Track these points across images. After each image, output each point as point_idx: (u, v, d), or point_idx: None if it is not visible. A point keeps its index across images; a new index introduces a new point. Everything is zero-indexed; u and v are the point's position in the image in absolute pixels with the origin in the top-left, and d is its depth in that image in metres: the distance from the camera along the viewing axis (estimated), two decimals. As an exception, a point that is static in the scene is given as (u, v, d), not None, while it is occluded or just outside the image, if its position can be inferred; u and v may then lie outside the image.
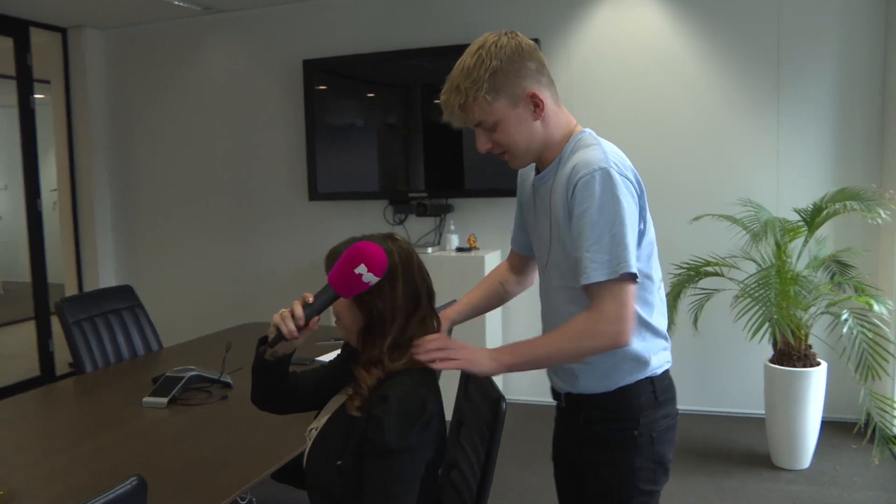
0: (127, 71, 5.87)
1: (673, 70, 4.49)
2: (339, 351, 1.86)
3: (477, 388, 1.91)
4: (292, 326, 1.51)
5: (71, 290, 5.92)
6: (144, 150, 5.89)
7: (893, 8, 4.02)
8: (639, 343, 1.65)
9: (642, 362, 1.67)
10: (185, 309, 5.70)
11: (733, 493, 3.53)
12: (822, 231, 3.90)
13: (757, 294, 3.50)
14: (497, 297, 2.01)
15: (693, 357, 4.43)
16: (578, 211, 1.56)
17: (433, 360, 1.56)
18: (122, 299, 3.46)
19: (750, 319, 3.45)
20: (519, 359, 1.63)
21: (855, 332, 3.43)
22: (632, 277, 1.54)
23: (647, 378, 1.69)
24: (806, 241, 3.82)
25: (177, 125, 5.76)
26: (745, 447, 4.06)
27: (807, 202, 3.86)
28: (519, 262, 2.00)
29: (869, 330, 3.43)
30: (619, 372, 1.67)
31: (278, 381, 1.68)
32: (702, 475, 3.72)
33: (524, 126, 1.65)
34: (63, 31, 5.75)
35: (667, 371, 1.74)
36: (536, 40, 1.76)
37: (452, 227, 4.83)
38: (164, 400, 2.48)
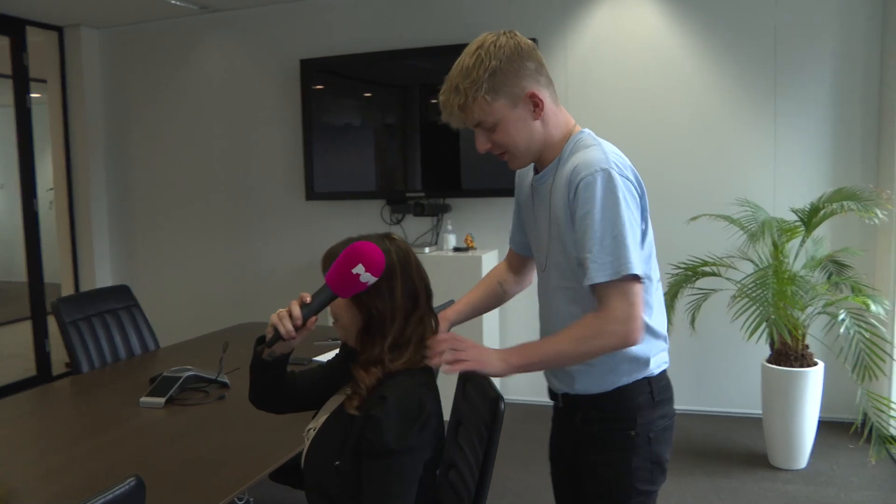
0: (124, 70, 5.86)
1: (671, 70, 4.49)
2: (336, 351, 1.86)
3: (475, 387, 1.91)
4: (290, 326, 1.51)
5: (67, 289, 5.91)
6: (141, 149, 5.87)
7: (891, 8, 4.03)
8: (640, 344, 1.65)
9: (641, 363, 1.68)
10: (182, 309, 5.69)
11: (731, 492, 3.53)
12: (819, 231, 3.90)
13: (754, 294, 3.50)
14: (496, 298, 2.01)
15: (690, 357, 4.43)
16: (581, 213, 1.56)
17: (441, 363, 1.57)
18: (119, 299, 3.45)
19: (747, 320, 3.45)
20: (528, 359, 1.63)
21: (852, 332, 3.43)
22: (634, 278, 1.54)
23: (644, 378, 1.69)
24: (803, 242, 3.82)
25: (174, 124, 5.74)
26: (742, 447, 4.06)
27: (804, 202, 3.87)
28: (517, 262, 2.00)
29: (866, 330, 3.44)
30: (617, 372, 1.67)
31: (276, 380, 1.67)
32: (699, 475, 3.72)
33: (524, 126, 1.64)
34: (59, 30, 5.74)
35: (664, 371, 1.74)
36: (534, 40, 1.75)
37: (450, 227, 4.83)
38: (162, 400, 2.47)
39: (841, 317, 3.47)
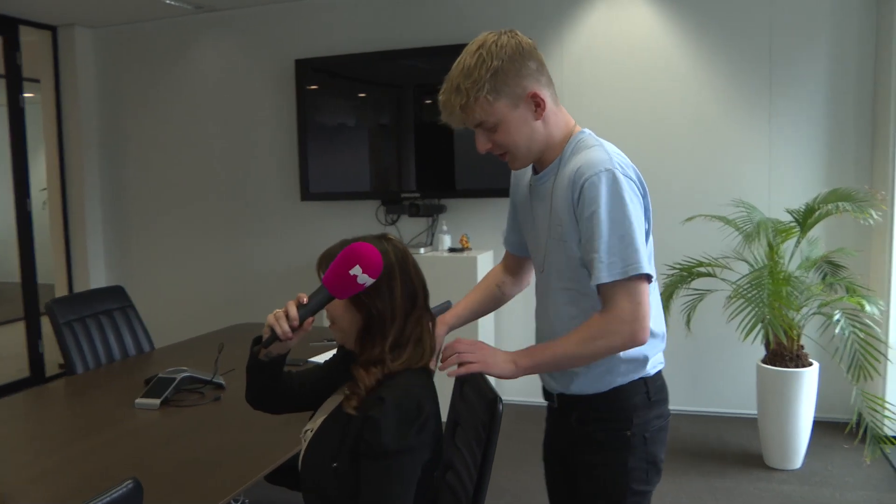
0: (118, 70, 5.84)
1: (666, 70, 4.50)
2: (332, 352, 1.85)
3: (472, 388, 1.90)
4: (286, 327, 1.50)
5: (61, 290, 5.89)
6: (135, 149, 5.85)
7: (885, 9, 4.04)
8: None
9: (639, 363, 1.68)
10: (177, 309, 5.67)
11: (726, 493, 3.54)
12: (814, 232, 3.91)
13: (750, 295, 3.51)
14: (494, 300, 2.00)
15: (686, 357, 4.44)
16: (587, 213, 1.56)
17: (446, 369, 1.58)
18: (114, 300, 3.44)
19: (743, 320, 3.45)
20: (536, 361, 1.63)
21: (847, 332, 3.44)
22: (641, 278, 1.55)
23: (640, 378, 1.69)
24: (798, 242, 3.83)
25: (168, 124, 5.73)
26: (737, 447, 4.07)
27: (798, 203, 3.88)
28: (514, 263, 2.00)
29: (861, 330, 3.45)
30: (614, 373, 1.67)
31: (272, 381, 1.67)
32: (694, 475, 3.72)
33: (525, 126, 1.64)
34: (53, 30, 5.72)
35: (660, 371, 1.75)
36: (530, 40, 1.74)
37: (445, 228, 4.82)
38: (157, 401, 2.46)
39: (836, 317, 3.47)
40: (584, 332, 1.59)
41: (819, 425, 3.95)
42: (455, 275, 4.43)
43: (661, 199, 4.41)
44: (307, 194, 5.13)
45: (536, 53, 1.64)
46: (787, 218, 3.86)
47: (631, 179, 1.59)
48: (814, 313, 3.74)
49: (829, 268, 3.89)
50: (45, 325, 5.08)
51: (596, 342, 1.57)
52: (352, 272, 1.48)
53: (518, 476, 3.60)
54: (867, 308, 3.50)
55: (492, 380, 1.75)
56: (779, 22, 4.28)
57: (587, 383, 1.69)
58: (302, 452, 1.63)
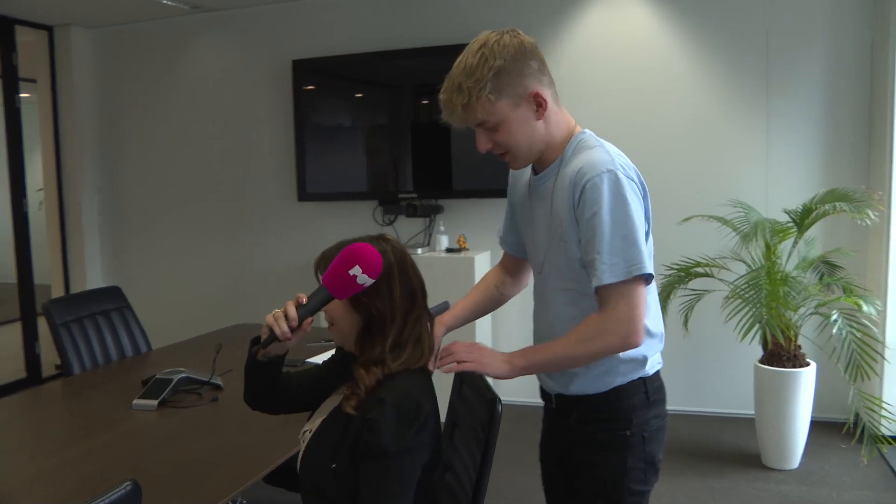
0: (114, 70, 5.82)
1: (663, 71, 4.50)
2: (330, 352, 1.85)
3: (471, 389, 1.91)
4: (285, 327, 1.50)
5: (57, 290, 5.88)
6: (132, 149, 5.84)
7: (881, 9, 4.04)
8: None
9: (639, 363, 1.68)
10: (174, 310, 5.66)
11: (723, 493, 3.54)
12: (811, 232, 3.91)
13: (747, 295, 3.51)
14: (493, 301, 2.00)
15: (683, 358, 4.44)
16: (588, 214, 1.56)
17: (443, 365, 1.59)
18: (111, 300, 3.43)
19: (741, 321, 3.46)
20: (532, 361, 1.63)
21: (844, 332, 3.45)
22: (646, 278, 1.56)
23: (640, 378, 1.69)
24: (795, 242, 3.83)
25: (165, 125, 5.72)
26: (735, 447, 4.07)
27: (795, 203, 3.88)
28: (513, 264, 1.99)
29: (858, 330, 3.45)
30: (614, 373, 1.67)
31: (271, 381, 1.67)
32: (692, 475, 3.72)
33: (526, 126, 1.63)
34: (49, 30, 5.70)
35: (658, 372, 1.75)
36: (527, 41, 1.73)
37: (442, 228, 4.82)
38: (154, 402, 2.45)
39: (833, 317, 3.48)
40: (580, 334, 1.59)
41: (816, 425, 3.96)
42: (452, 275, 4.43)
43: (659, 200, 4.39)
44: (304, 195, 5.12)
45: (538, 53, 1.64)
46: (785, 218, 3.87)
47: (632, 180, 1.59)
48: (811, 313, 3.74)
49: (826, 268, 3.89)
50: (42, 325, 5.07)
51: (591, 343, 1.58)
52: (351, 272, 1.48)
53: (516, 477, 3.60)
54: (864, 308, 3.51)
55: (489, 380, 1.75)
56: (776, 22, 4.28)
57: (586, 384, 1.69)
58: (301, 453, 1.62)
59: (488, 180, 4.51)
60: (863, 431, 3.42)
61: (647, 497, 1.73)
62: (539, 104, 1.63)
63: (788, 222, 3.83)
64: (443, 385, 1.80)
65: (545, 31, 4.66)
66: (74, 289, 5.82)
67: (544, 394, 1.83)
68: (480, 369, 1.62)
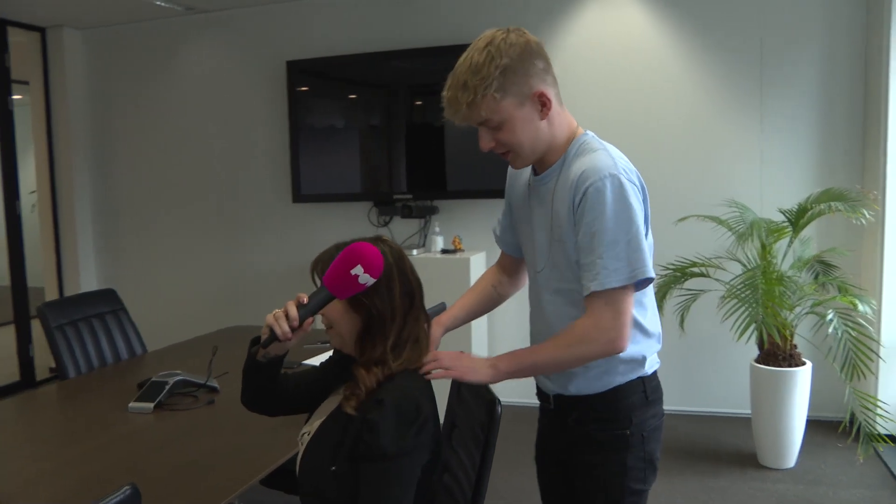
0: (107, 71, 5.80)
1: (658, 71, 4.50)
2: (327, 354, 1.84)
3: (470, 390, 1.90)
4: (286, 327, 1.49)
5: (51, 293, 5.85)
6: (125, 151, 5.82)
7: (875, 9, 4.06)
8: (634, 345, 1.66)
9: (637, 363, 1.69)
10: (168, 312, 5.64)
11: (720, 492, 3.54)
12: (806, 232, 3.93)
13: (743, 295, 3.52)
14: (490, 301, 2.00)
15: (679, 357, 4.44)
16: (589, 218, 1.56)
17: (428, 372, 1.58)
18: (106, 303, 3.41)
19: (737, 320, 3.46)
20: (517, 366, 1.63)
21: (840, 331, 3.45)
22: (646, 282, 1.57)
23: (638, 378, 1.70)
24: (791, 242, 3.84)
25: (159, 126, 5.70)
26: (731, 447, 4.08)
27: (790, 203, 3.89)
28: (510, 264, 1.99)
29: (853, 329, 3.46)
30: (613, 373, 1.67)
31: (270, 382, 1.66)
32: (689, 475, 3.72)
33: (530, 125, 1.62)
34: (42, 31, 5.68)
35: (655, 371, 1.76)
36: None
37: (437, 229, 4.82)
38: (150, 405, 2.44)
39: (829, 317, 3.49)
40: (566, 338, 1.60)
41: (812, 424, 3.97)
42: (448, 276, 4.42)
43: (654, 200, 4.37)
44: (299, 196, 5.11)
45: (544, 53, 1.64)
46: (780, 218, 3.88)
47: (634, 185, 1.60)
48: (807, 313, 3.75)
49: (822, 267, 3.90)
50: (36, 328, 5.05)
51: (577, 348, 1.58)
52: (353, 272, 1.48)
53: (513, 477, 3.59)
54: (859, 307, 3.52)
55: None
56: (770, 23, 4.29)
57: (585, 384, 1.69)
58: (299, 456, 1.61)
59: (483, 181, 4.51)
60: (859, 430, 3.43)
61: (645, 496, 1.73)
62: (543, 104, 1.62)
63: (784, 222, 3.84)
64: (441, 386, 1.80)
65: (540, 31, 4.66)
66: (68, 291, 5.80)
67: (542, 394, 1.83)
68: (463, 377, 1.62)
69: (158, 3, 5.04)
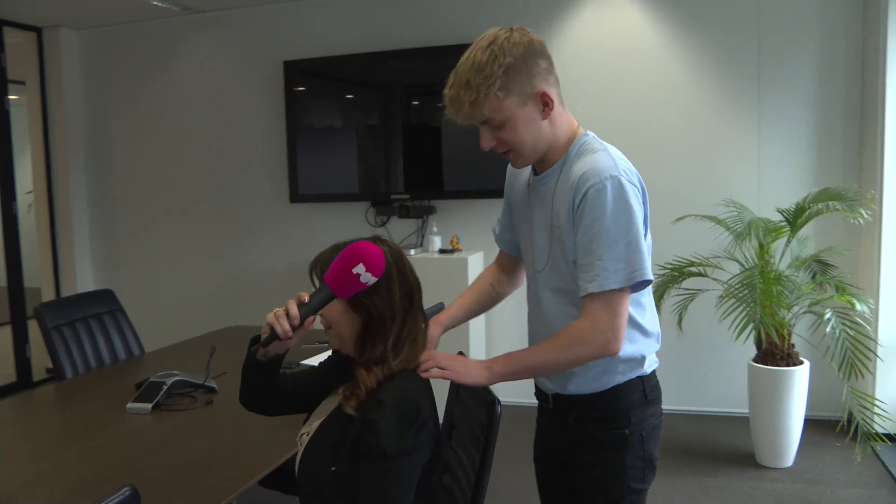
0: (104, 71, 5.79)
1: (655, 71, 4.51)
2: (325, 354, 1.84)
3: (469, 391, 1.90)
4: (287, 326, 1.48)
5: (48, 294, 5.84)
6: (122, 151, 5.81)
7: (871, 9, 4.06)
8: (632, 345, 1.66)
9: (637, 362, 1.69)
10: (166, 312, 5.63)
11: (718, 491, 3.54)
12: (804, 231, 3.93)
13: (741, 294, 3.52)
14: (489, 300, 2.00)
15: (677, 357, 4.44)
16: (589, 219, 1.55)
17: (424, 371, 1.58)
18: (103, 304, 3.41)
19: (735, 320, 3.46)
20: (511, 367, 1.63)
21: (838, 331, 3.46)
22: (645, 284, 1.57)
23: (637, 377, 1.70)
24: (788, 242, 3.85)
25: (156, 127, 5.69)
26: (729, 446, 4.08)
27: (787, 202, 3.89)
28: (509, 262, 1.99)
29: (851, 328, 3.47)
30: (613, 372, 1.67)
31: (269, 381, 1.65)
32: (687, 474, 3.73)
33: (532, 125, 1.62)
34: (38, 31, 5.67)
35: (654, 370, 1.76)
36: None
37: (435, 229, 4.81)
38: (149, 406, 2.44)
39: (827, 316, 3.49)
40: (562, 339, 1.60)
41: (810, 423, 3.97)
42: (446, 276, 4.42)
43: (652, 200, 4.35)
44: (296, 196, 5.11)
45: (546, 52, 1.64)
46: (778, 217, 3.88)
47: (635, 186, 1.60)
48: (804, 312, 3.75)
49: (819, 267, 3.90)
50: (33, 329, 5.03)
51: (572, 350, 1.58)
52: (355, 271, 1.48)
53: (512, 477, 3.59)
54: (857, 306, 3.52)
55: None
56: (767, 22, 4.30)
57: (585, 383, 1.69)
58: (299, 456, 1.61)
59: (480, 181, 4.51)
60: (856, 429, 3.44)
61: (644, 495, 1.73)
62: (546, 104, 1.62)
63: (781, 221, 3.84)
64: (439, 387, 1.79)
65: (538, 31, 4.59)
66: (65, 292, 5.78)
67: (541, 393, 1.82)
68: (458, 379, 1.62)
69: (155, 3, 5.03)
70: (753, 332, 3.60)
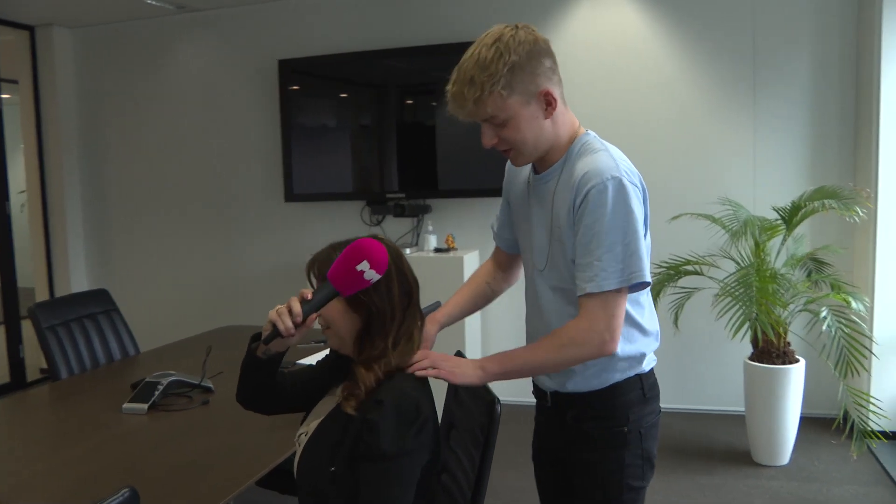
0: (98, 70, 5.76)
1: (651, 70, 4.51)
2: (322, 353, 1.83)
3: (468, 390, 1.89)
4: (289, 323, 1.47)
5: (41, 294, 5.81)
6: (116, 150, 5.79)
7: (866, 8, 4.07)
8: (632, 344, 1.66)
9: (636, 360, 1.69)
10: (160, 312, 5.61)
11: (714, 489, 3.55)
12: (799, 229, 3.94)
13: (737, 293, 3.52)
14: (484, 297, 1.99)
15: (673, 355, 4.45)
16: (589, 219, 1.55)
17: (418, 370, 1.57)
18: (98, 304, 3.39)
19: (731, 318, 3.47)
20: (505, 367, 1.63)
21: (833, 329, 3.46)
22: (643, 285, 1.57)
23: (636, 375, 1.70)
24: (784, 240, 3.85)
25: (150, 126, 5.67)
26: (725, 444, 4.09)
27: (783, 201, 3.90)
28: (505, 260, 1.99)
29: (847, 326, 3.48)
30: (611, 370, 1.67)
31: (269, 379, 1.64)
32: (683, 472, 3.73)
33: (535, 124, 1.62)
34: (31, 30, 5.64)
35: (652, 368, 1.76)
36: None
37: (430, 228, 4.81)
38: (145, 406, 2.42)
39: (822, 314, 3.50)
40: (558, 339, 1.59)
41: (806, 421, 3.98)
42: (441, 275, 4.41)
43: (649, 199, 4.43)
44: (291, 195, 5.09)
45: (551, 51, 1.64)
46: (773, 216, 3.88)
47: (636, 187, 1.60)
48: (800, 310, 3.76)
49: (815, 265, 3.91)
50: (26, 329, 5.01)
51: (567, 350, 1.58)
52: (358, 268, 1.47)
53: (510, 476, 3.59)
54: (853, 304, 3.53)
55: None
56: (762, 22, 4.30)
57: (583, 381, 1.69)
58: (297, 456, 1.60)
59: (475, 180, 4.50)
60: (852, 427, 3.44)
61: (643, 493, 1.74)
62: (549, 103, 1.61)
63: (777, 220, 3.85)
64: (438, 387, 1.79)
65: (533, 29, 4.65)
66: (59, 291, 5.76)
67: (539, 391, 1.82)
68: (451, 378, 1.61)
69: (149, 1, 5.01)
70: (749, 331, 3.60)
